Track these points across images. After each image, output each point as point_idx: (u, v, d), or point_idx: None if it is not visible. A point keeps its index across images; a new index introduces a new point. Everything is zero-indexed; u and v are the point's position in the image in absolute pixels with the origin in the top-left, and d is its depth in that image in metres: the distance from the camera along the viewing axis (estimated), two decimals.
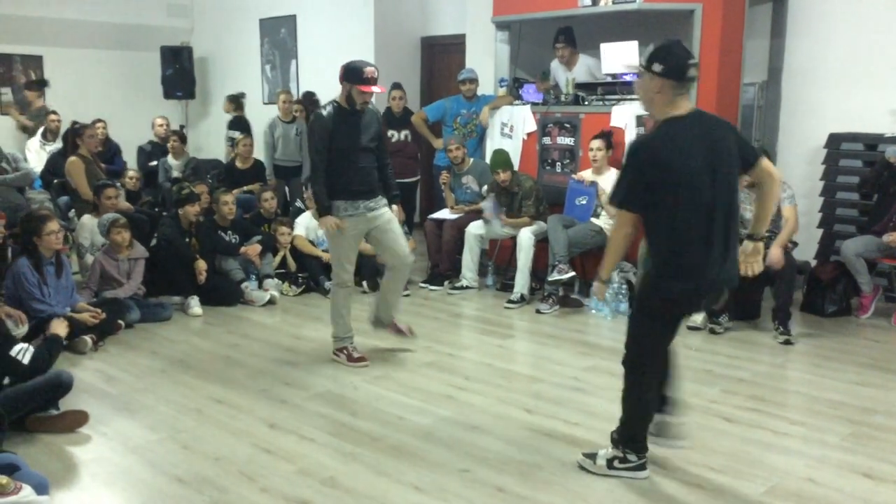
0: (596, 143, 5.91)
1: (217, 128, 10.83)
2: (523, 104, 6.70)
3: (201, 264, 5.78)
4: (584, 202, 5.95)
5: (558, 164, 6.53)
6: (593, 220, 5.93)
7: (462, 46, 8.06)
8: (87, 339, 4.75)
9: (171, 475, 3.20)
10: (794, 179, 6.40)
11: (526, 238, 5.90)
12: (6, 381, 3.54)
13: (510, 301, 5.88)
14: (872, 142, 5.88)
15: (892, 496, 3.07)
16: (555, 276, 5.64)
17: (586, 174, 6.01)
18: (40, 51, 9.97)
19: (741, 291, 5.21)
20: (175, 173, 7.53)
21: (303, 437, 3.56)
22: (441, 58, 9.17)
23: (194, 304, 5.68)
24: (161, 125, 8.51)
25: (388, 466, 3.27)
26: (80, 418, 3.62)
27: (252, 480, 3.15)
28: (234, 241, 6.20)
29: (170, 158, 7.65)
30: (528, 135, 6.65)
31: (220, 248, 6.12)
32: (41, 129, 8.57)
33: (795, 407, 3.98)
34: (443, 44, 9.05)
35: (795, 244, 5.41)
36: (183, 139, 7.94)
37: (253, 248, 6.17)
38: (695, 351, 4.84)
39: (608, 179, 5.94)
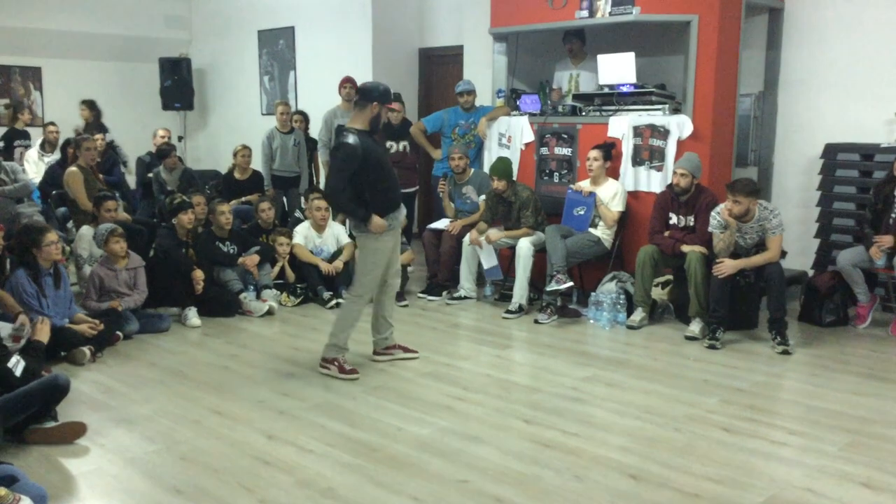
0: (593, 154, 5.93)
1: (215, 139, 10.88)
2: (521, 115, 6.73)
3: (198, 274, 5.77)
4: (582, 212, 5.97)
5: (556, 174, 6.55)
6: (591, 230, 5.94)
7: (459, 58, 8.10)
8: (86, 350, 4.74)
9: (169, 486, 3.19)
10: (790, 189, 6.46)
11: (525, 248, 5.91)
12: None
13: (508, 311, 5.88)
14: (868, 152, 5.91)
15: None
16: (553, 287, 5.65)
17: (584, 184, 6.03)
18: (39, 62, 10.01)
19: (737, 302, 5.31)
20: (170, 186, 7.54)
21: (301, 448, 3.56)
22: (439, 69, 9.21)
23: (192, 315, 5.68)
24: (163, 136, 8.52)
25: (387, 477, 3.27)
26: (78, 429, 3.61)
27: (251, 492, 3.15)
28: (232, 251, 6.20)
29: (161, 171, 7.66)
30: (526, 145, 6.68)
31: (218, 259, 6.12)
32: (39, 140, 8.59)
33: (793, 417, 3.98)
34: (440, 55, 9.09)
35: (785, 253, 5.43)
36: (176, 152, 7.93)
37: (251, 259, 6.17)
38: (693, 361, 4.85)
39: (606, 190, 5.96)
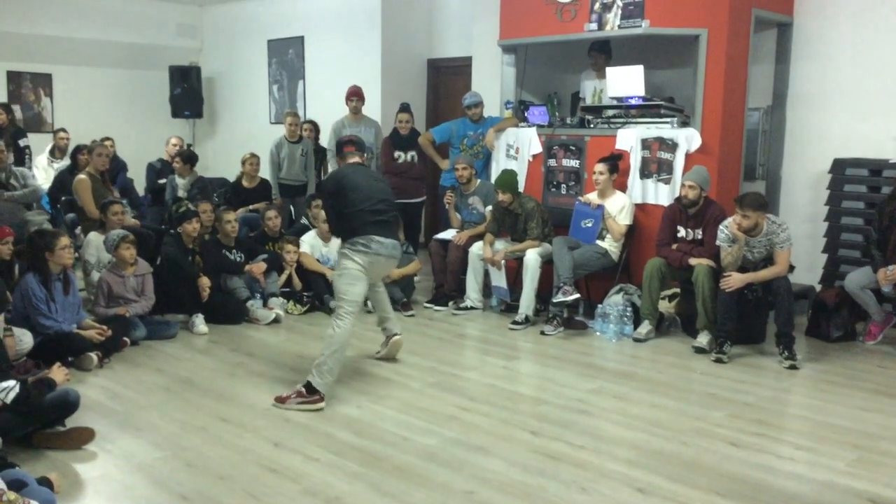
0: (599, 167, 5.93)
1: (224, 147, 10.93)
2: (528, 126, 6.75)
3: (204, 281, 5.79)
4: (589, 224, 5.97)
5: (563, 186, 6.56)
6: (598, 242, 5.94)
7: (467, 69, 8.14)
8: (93, 356, 4.76)
9: (175, 493, 3.20)
10: (798, 204, 6.45)
11: (532, 259, 5.92)
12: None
13: (515, 322, 5.89)
14: (877, 167, 5.91)
15: None
16: (560, 298, 5.65)
17: (592, 196, 6.04)
18: (50, 69, 10.08)
19: (745, 316, 5.31)
20: (181, 192, 7.57)
21: (308, 457, 3.56)
22: (447, 80, 9.25)
23: (199, 322, 5.70)
24: (176, 145, 8.52)
25: (393, 487, 3.27)
26: (86, 435, 3.62)
27: (257, 500, 3.15)
28: (238, 259, 6.22)
29: (177, 177, 7.71)
30: (534, 157, 6.69)
31: (224, 267, 6.14)
32: (49, 146, 8.63)
33: (801, 432, 3.97)
34: (449, 66, 9.13)
35: (793, 268, 5.42)
36: (186, 160, 7.82)
37: (258, 267, 6.19)
38: (700, 374, 4.84)
39: (614, 203, 5.97)
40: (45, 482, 2.90)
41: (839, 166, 6.08)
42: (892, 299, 5.56)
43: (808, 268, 6.21)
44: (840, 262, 6.05)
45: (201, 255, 6.05)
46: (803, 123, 6.40)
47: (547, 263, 5.96)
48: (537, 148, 6.66)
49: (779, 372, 4.91)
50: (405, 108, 7.46)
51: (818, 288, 6.09)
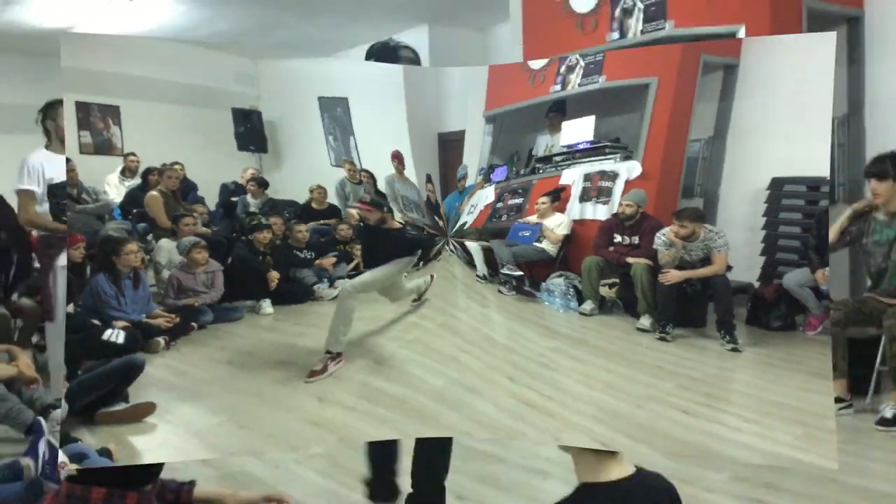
0: (542, 199, 5.25)
1: (290, 178, 10.53)
2: (490, 185, 6.39)
3: (273, 274, 5.20)
4: (527, 234, 5.52)
5: (505, 216, 6.17)
6: (535, 244, 5.56)
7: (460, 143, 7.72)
8: (160, 339, 4.45)
9: (225, 452, 2.95)
10: (735, 217, 6.08)
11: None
12: None
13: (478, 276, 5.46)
14: (814, 184, 5.50)
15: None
16: (505, 271, 5.24)
17: (531, 218, 5.62)
18: (117, 101, 9.72)
19: (685, 303, 4.91)
20: (252, 209, 7.22)
21: (347, 407, 3.26)
22: (451, 153, 8.74)
23: (266, 305, 5.09)
24: (254, 174, 8.10)
25: (412, 430, 2.99)
26: (147, 409, 3.32)
27: (297, 451, 2.89)
28: (308, 257, 5.79)
29: (249, 196, 7.31)
30: (486, 206, 6.31)
31: (294, 262, 5.70)
32: (120, 168, 8.31)
33: (748, 407, 3.58)
34: (454, 140, 8.62)
35: (730, 267, 5.09)
36: (260, 184, 7.46)
37: (328, 260, 5.67)
38: (646, 348, 4.37)
39: (552, 220, 5.48)
40: (105, 453, 2.66)
41: (777, 184, 5.71)
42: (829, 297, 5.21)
43: (746, 268, 5.89)
44: (777, 264, 5.69)
45: (272, 256, 5.68)
46: (743, 150, 6.07)
47: None
48: (491, 198, 6.27)
49: (721, 353, 4.52)
50: (428, 178, 7.12)
51: (757, 285, 5.75)
